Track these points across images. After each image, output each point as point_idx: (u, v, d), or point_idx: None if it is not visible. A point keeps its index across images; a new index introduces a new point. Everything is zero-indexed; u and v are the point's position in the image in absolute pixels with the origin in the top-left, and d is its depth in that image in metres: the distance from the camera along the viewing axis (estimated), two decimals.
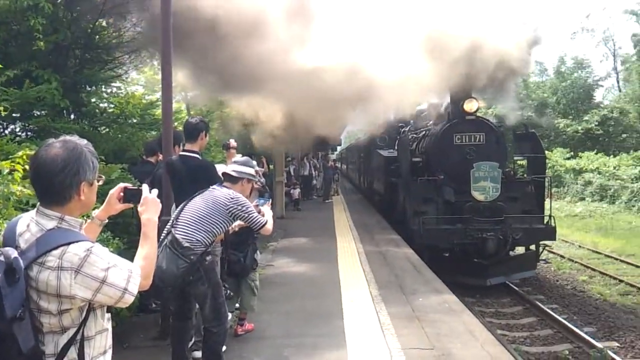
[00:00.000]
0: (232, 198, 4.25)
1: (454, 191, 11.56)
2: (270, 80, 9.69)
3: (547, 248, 12.76)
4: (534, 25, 12.61)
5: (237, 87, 10.22)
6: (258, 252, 5.69)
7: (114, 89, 9.92)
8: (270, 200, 5.24)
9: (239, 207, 4.23)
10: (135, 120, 9.12)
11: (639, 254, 15.76)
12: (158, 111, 9.31)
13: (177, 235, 4.05)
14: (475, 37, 10.42)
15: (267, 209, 4.70)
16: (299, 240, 11.92)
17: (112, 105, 9.41)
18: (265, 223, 4.36)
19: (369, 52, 10.71)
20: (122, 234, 5.37)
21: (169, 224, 4.18)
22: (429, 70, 10.58)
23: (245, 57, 9.04)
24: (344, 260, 9.49)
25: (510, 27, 11.07)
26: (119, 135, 8.17)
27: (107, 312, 2.01)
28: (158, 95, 9.57)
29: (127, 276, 1.91)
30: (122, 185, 2.30)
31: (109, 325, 2.02)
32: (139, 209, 2.22)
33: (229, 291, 5.22)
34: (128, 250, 4.37)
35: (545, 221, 11.76)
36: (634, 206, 24.99)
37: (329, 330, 5.73)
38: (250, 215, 4.28)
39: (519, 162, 15.82)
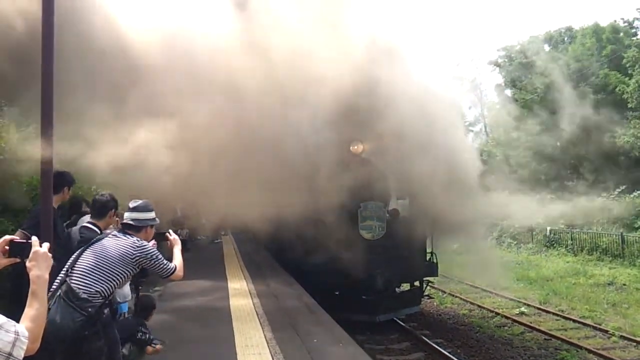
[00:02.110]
0: (138, 247, 3.94)
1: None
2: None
3: (429, 284, 13.31)
4: None
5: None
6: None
7: None
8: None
9: (147, 256, 3.94)
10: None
11: (512, 287, 16.93)
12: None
13: (72, 286, 3.67)
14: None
15: (176, 245, 4.38)
16: (187, 282, 11.43)
17: None
18: (175, 269, 4.08)
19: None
20: None
21: (63, 272, 3.79)
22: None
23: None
24: (237, 301, 9.24)
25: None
26: None
27: None
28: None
29: (13, 339, 1.69)
30: (7, 237, 2.06)
31: None
32: (28, 264, 2.00)
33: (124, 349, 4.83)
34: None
35: (428, 258, 12.28)
36: (503, 242, 26.95)
37: None
38: (159, 264, 4.00)
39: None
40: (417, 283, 12.63)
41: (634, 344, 11.27)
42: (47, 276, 2.01)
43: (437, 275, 12.68)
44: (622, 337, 11.68)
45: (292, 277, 11.93)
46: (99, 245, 3.96)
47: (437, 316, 13.73)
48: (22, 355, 1.73)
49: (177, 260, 4.22)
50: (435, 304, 15.04)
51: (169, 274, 4.06)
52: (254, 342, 6.77)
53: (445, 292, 16.20)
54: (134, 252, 3.91)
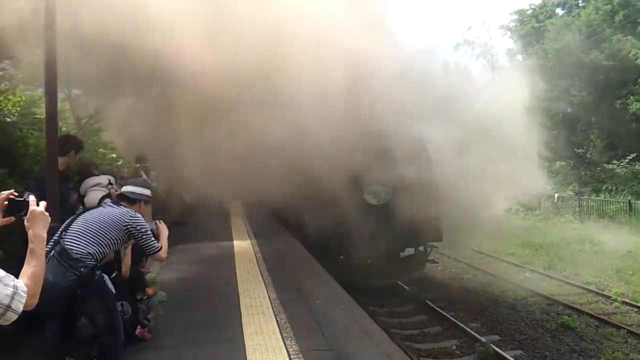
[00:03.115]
0: (131, 216, 4.15)
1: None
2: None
3: (434, 249, 13.38)
4: None
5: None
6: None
7: None
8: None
9: (137, 227, 4.12)
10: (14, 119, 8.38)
11: (517, 253, 17.03)
12: (40, 110, 8.61)
13: (66, 246, 3.82)
14: None
15: (164, 232, 4.50)
16: (194, 245, 11.60)
17: None
18: (159, 249, 4.26)
19: None
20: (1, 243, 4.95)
21: (57, 234, 3.92)
22: None
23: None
24: (242, 263, 9.38)
25: None
26: None
27: None
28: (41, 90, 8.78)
29: (12, 292, 1.77)
30: (4, 194, 2.11)
31: None
32: (25, 223, 2.05)
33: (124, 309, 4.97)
34: (6, 262, 4.03)
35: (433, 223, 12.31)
36: (510, 209, 26.93)
37: (227, 336, 5.65)
38: (147, 238, 4.18)
39: None
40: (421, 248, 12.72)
41: (636, 309, 11.37)
42: (44, 235, 2.06)
43: (441, 240, 12.73)
44: (624, 302, 11.78)
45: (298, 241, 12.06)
46: (94, 212, 4.16)
47: (441, 281, 13.87)
48: (21, 309, 1.80)
49: (164, 243, 4.38)
50: (439, 268, 15.17)
51: (154, 250, 4.24)
52: (258, 302, 6.92)
53: (450, 257, 16.30)
54: (126, 220, 4.09)
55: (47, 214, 2.10)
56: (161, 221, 4.68)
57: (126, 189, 4.51)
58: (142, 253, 4.96)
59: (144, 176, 8.77)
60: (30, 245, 2.00)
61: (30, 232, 2.03)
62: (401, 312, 10.81)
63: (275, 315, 6.34)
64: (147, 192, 4.53)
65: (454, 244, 14.10)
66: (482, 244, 17.96)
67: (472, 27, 48.56)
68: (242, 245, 11.13)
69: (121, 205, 4.29)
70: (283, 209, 13.69)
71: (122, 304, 4.80)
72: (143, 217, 4.35)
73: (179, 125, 11.16)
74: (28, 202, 2.08)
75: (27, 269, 1.96)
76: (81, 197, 6.11)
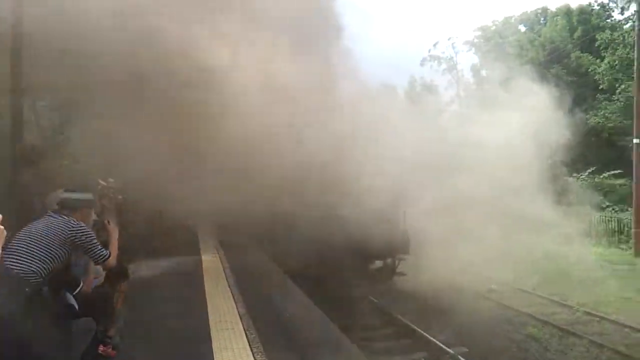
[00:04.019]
0: (72, 226, 3.91)
1: None
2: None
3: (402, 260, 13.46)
4: None
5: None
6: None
7: None
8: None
9: (81, 237, 3.91)
10: None
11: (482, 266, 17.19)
12: None
13: (7, 265, 3.55)
14: None
15: (113, 235, 4.37)
16: (160, 259, 11.37)
17: None
18: (108, 256, 4.08)
19: None
20: None
21: None
22: None
23: None
24: (209, 275, 9.25)
25: None
26: None
27: None
28: None
29: None
30: None
31: None
32: None
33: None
34: None
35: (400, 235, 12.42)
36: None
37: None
38: (92, 247, 3.99)
39: None
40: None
41: (597, 318, 11.67)
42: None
43: (408, 253, 12.83)
44: (585, 312, 12.07)
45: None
46: (35, 224, 3.92)
47: (409, 293, 13.92)
48: None
49: (113, 248, 4.23)
50: (407, 280, 15.22)
51: (103, 259, 4.06)
52: (228, 317, 6.83)
53: (417, 270, 16.35)
54: (68, 231, 3.87)
55: (2, 227, 2.06)
56: (109, 222, 4.52)
57: (66, 195, 4.25)
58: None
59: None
60: None
61: None
62: (370, 324, 10.82)
63: (245, 330, 6.28)
64: (88, 196, 4.36)
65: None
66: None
67: (439, 43, 49.02)
68: (210, 259, 10.98)
69: (63, 215, 4.03)
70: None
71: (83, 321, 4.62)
72: (86, 223, 4.16)
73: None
74: None
75: None
76: (45, 211, 5.93)
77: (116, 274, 5.60)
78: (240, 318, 6.75)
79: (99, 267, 5.76)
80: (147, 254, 10.30)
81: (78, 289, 4.55)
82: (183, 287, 8.61)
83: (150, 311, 7.04)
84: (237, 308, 7.26)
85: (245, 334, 6.13)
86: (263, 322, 6.61)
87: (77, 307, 4.22)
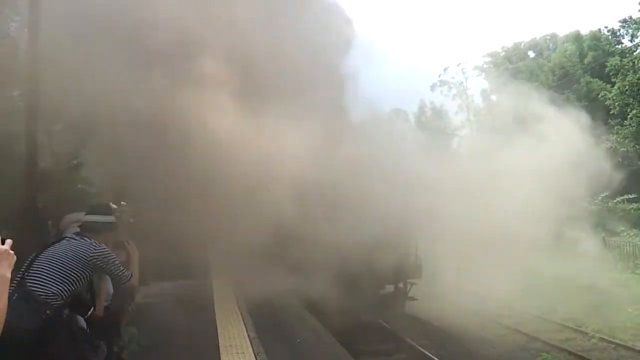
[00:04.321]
0: (95, 249, 3.92)
1: None
2: None
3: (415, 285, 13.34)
4: None
5: None
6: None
7: None
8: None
9: (104, 260, 3.92)
10: None
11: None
12: None
13: (29, 288, 3.58)
14: None
15: (134, 255, 4.40)
16: (171, 283, 11.36)
17: None
18: (131, 277, 4.10)
19: None
20: None
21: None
22: None
23: None
24: (219, 299, 9.22)
25: None
26: None
27: None
28: None
29: None
30: None
31: None
32: None
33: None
34: None
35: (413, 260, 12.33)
36: None
37: None
38: (115, 269, 3.99)
39: None
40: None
41: (613, 345, 11.45)
42: (8, 275, 1.97)
43: (420, 277, 12.72)
44: (601, 339, 11.85)
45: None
46: (57, 247, 3.92)
47: (421, 318, 13.78)
48: None
49: (134, 269, 4.25)
50: (419, 305, 15.08)
51: (126, 280, 4.06)
52: (238, 342, 6.80)
53: (429, 295, 16.21)
54: (91, 254, 3.88)
55: (12, 252, 2.00)
56: (129, 242, 4.53)
57: (89, 218, 4.29)
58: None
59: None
60: None
61: None
62: (382, 350, 10.69)
63: (255, 354, 6.24)
64: (110, 219, 4.38)
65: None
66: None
67: (448, 68, 49.42)
68: (221, 282, 10.95)
69: (84, 237, 4.04)
70: None
71: (100, 344, 4.62)
72: (108, 245, 4.15)
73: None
74: None
75: None
76: (59, 234, 5.96)
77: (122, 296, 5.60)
78: (251, 342, 6.71)
79: (110, 290, 5.81)
80: (157, 277, 10.30)
81: (89, 312, 4.56)
82: (193, 310, 8.58)
83: (160, 333, 7.02)
84: (247, 331, 7.23)
85: (255, 358, 6.09)
86: (273, 346, 6.58)
87: (87, 330, 4.22)
